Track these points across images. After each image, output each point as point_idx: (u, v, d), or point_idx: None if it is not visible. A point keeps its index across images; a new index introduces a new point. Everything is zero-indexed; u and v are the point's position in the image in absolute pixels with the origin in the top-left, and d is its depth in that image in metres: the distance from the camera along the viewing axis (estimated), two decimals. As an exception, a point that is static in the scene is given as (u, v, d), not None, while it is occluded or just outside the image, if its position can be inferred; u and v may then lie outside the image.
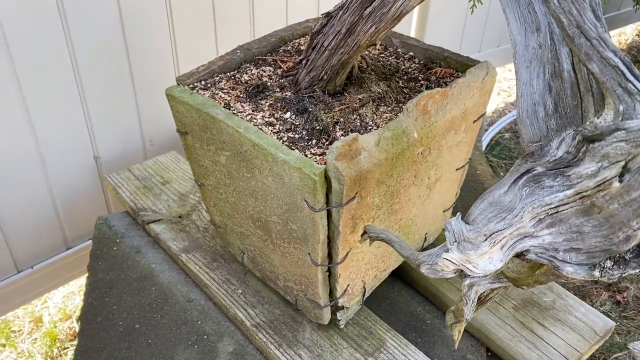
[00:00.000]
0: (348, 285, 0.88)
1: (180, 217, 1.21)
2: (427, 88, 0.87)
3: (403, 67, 0.93)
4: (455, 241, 0.55)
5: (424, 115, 0.79)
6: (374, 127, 0.78)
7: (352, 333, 0.95)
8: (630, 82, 0.44)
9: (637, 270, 0.51)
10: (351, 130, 0.77)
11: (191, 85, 0.89)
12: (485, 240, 0.53)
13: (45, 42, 1.16)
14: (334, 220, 0.76)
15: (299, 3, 1.58)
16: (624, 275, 0.51)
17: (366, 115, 0.79)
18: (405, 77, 0.89)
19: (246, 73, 0.92)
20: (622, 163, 0.44)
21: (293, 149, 0.75)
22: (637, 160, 0.45)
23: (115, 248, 1.19)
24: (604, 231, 0.49)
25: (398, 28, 0.92)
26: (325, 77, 0.81)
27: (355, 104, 0.80)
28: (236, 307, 0.99)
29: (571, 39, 0.45)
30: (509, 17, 0.52)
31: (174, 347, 0.98)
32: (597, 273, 0.51)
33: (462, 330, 0.81)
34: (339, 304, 0.90)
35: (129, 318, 1.03)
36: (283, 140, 0.77)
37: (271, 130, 0.79)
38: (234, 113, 0.82)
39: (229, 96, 0.86)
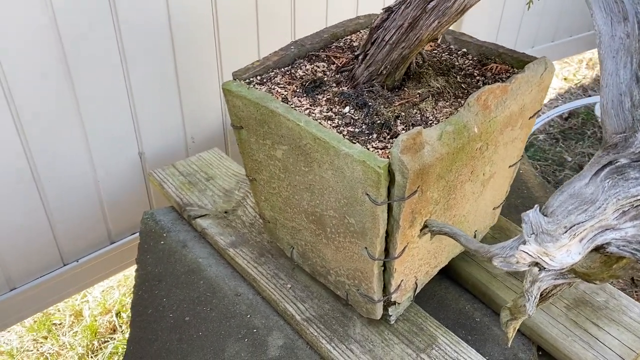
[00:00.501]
0: (402, 281, 0.88)
1: (226, 212, 1.22)
2: (484, 84, 0.87)
3: (457, 63, 0.93)
4: (533, 233, 0.54)
5: (485, 110, 0.78)
6: (435, 122, 0.78)
7: (403, 329, 0.95)
8: None
9: None
10: (412, 124, 0.77)
11: (247, 80, 0.90)
12: (566, 232, 0.53)
13: (96, 40, 1.19)
14: (394, 214, 0.76)
15: (338, 5, 1.59)
16: None
17: (426, 110, 0.79)
18: (461, 73, 0.89)
19: (300, 68, 0.93)
20: None
21: (354, 143, 0.75)
22: None
23: (162, 242, 1.20)
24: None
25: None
26: (384, 71, 0.81)
27: (415, 98, 0.80)
28: (286, 302, 1.00)
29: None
30: (592, 8, 0.52)
31: (224, 340, 0.99)
32: (682, 266, 0.50)
33: (517, 328, 0.81)
34: (392, 299, 0.90)
35: (179, 310, 1.05)
36: (343, 134, 0.77)
37: (330, 125, 0.80)
38: (292, 107, 0.83)
39: (286, 91, 0.87)
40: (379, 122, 0.78)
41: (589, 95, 2.58)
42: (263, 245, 1.12)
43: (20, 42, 1.08)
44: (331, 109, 0.82)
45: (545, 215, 0.55)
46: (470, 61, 0.94)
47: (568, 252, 0.54)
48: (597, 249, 0.54)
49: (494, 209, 1.03)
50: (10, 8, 1.05)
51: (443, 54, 0.96)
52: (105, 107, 1.28)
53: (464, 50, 0.97)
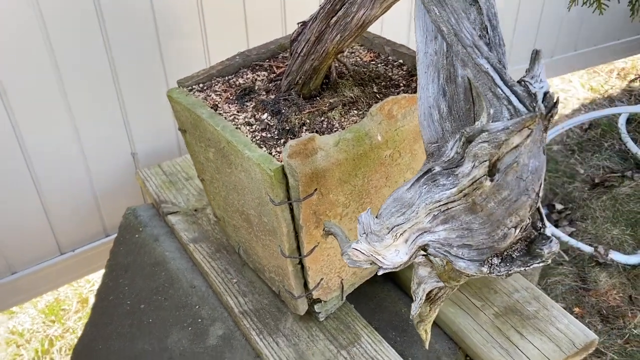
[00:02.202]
0: (322, 279, 0.93)
1: (196, 210, 1.30)
2: (405, 93, 0.91)
3: (390, 73, 0.97)
4: (364, 233, 0.59)
5: (390, 119, 0.82)
6: (340, 129, 0.83)
7: (331, 326, 1.00)
8: (499, 87, 0.47)
9: (522, 268, 0.53)
10: (316, 131, 0.82)
11: (190, 87, 0.98)
12: (388, 233, 0.57)
13: (87, 47, 1.30)
14: (295, 215, 0.81)
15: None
16: (510, 272, 0.53)
17: (334, 118, 0.84)
18: (384, 84, 0.93)
19: (242, 77, 1.00)
20: (487, 163, 0.47)
21: (262, 147, 0.81)
22: (504, 160, 0.47)
23: (137, 235, 1.30)
24: (487, 228, 0.51)
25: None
26: (300, 81, 0.86)
27: (325, 107, 0.85)
28: (228, 295, 1.07)
29: (450, 46, 0.48)
30: (416, 26, 0.56)
31: (170, 328, 1.06)
32: (485, 269, 0.53)
33: (428, 330, 0.84)
34: (314, 296, 0.95)
35: (137, 299, 1.14)
36: (256, 139, 0.84)
37: (248, 130, 0.86)
38: (219, 113, 0.90)
39: (220, 98, 0.94)
40: (287, 128, 0.83)
41: (615, 106, 2.50)
42: (221, 243, 1.20)
43: (12, 48, 1.21)
44: (254, 116, 0.89)
45: (375, 217, 0.59)
46: (404, 72, 0.98)
47: (397, 251, 0.58)
48: (424, 250, 0.57)
49: (432, 215, 1.05)
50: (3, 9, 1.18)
51: (379, 65, 1.00)
52: (97, 110, 1.40)
53: (401, 61, 1.01)
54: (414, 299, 0.74)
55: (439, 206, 0.53)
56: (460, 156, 0.51)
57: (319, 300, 0.97)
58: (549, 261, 0.53)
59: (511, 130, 0.45)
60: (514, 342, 0.95)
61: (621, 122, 2.35)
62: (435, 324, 1.03)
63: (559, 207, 2.03)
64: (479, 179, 0.48)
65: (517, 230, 0.50)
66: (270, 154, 0.80)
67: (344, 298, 1.02)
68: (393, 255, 0.58)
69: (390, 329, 1.03)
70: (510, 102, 0.46)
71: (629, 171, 2.15)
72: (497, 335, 0.96)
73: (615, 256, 1.81)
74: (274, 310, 1.04)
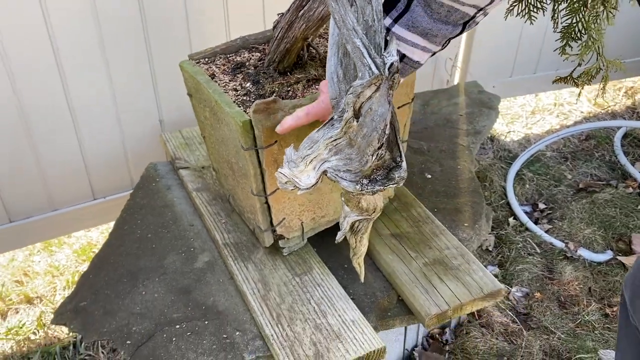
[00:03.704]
0: (284, 219, 1.18)
1: (202, 167, 1.57)
2: (360, 77, 1.14)
3: (356, 61, 1.21)
4: (287, 161, 0.83)
5: (340, 93, 1.06)
6: (300, 97, 1.08)
7: (291, 260, 1.24)
8: (365, 58, 0.70)
9: (382, 187, 0.76)
10: (282, 97, 1.07)
11: (197, 60, 1.24)
12: (302, 161, 0.81)
13: (125, 26, 1.59)
14: (260, 160, 1.06)
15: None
16: (375, 190, 0.76)
17: (298, 89, 1.09)
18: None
19: (239, 56, 1.26)
20: (352, 107, 0.70)
21: (240, 107, 1.07)
22: (364, 106, 0.70)
23: (153, 184, 1.58)
24: (358, 157, 0.75)
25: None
26: (276, 59, 1.11)
27: (292, 80, 1.09)
28: (216, 231, 1.33)
29: (339, 29, 0.72)
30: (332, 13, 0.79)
31: (168, 252, 1.33)
32: (358, 187, 0.77)
33: (361, 264, 1.07)
34: (278, 232, 1.20)
35: (146, 230, 1.41)
36: (238, 101, 1.09)
37: (234, 94, 1.11)
38: (215, 81, 1.16)
39: (219, 69, 1.20)
40: (261, 94, 1.08)
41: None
42: (218, 193, 1.46)
43: (66, 34, 1.51)
44: (241, 84, 1.14)
45: (295, 151, 0.82)
46: (367, 61, 1.21)
47: (308, 176, 0.81)
48: (326, 174, 0.81)
49: (385, 181, 1.28)
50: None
51: (349, 54, 1.24)
52: (133, 81, 1.69)
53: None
54: (340, 229, 0.98)
55: (331, 141, 0.77)
56: (347, 107, 0.75)
57: (282, 237, 1.22)
58: (400, 183, 0.76)
59: (365, 85, 0.68)
60: (434, 284, 1.17)
61: (617, 136, 2.49)
62: (375, 266, 1.26)
63: (541, 206, 2.21)
64: (348, 119, 0.72)
65: (374, 157, 0.73)
66: (245, 112, 1.05)
67: (305, 239, 1.26)
68: (305, 178, 0.82)
69: (340, 269, 1.27)
70: (370, 69, 0.69)
71: (615, 180, 2.30)
72: (422, 278, 1.18)
73: (584, 253, 1.97)
74: (249, 245, 1.29)
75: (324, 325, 1.08)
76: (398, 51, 0.81)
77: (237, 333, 1.12)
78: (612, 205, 2.14)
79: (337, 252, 1.31)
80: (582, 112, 2.76)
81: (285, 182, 0.84)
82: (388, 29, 0.81)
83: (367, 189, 0.76)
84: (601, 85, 1.12)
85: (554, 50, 1.14)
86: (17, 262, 2.08)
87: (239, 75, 1.17)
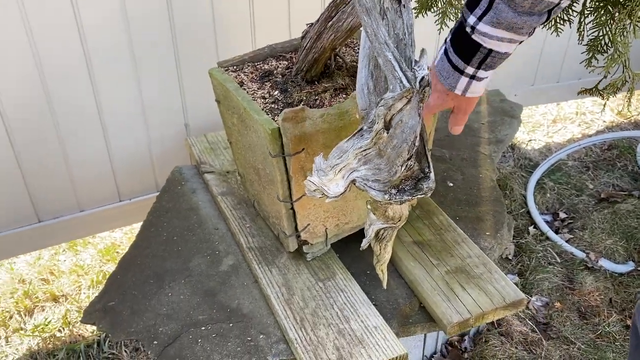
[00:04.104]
0: (308, 225, 1.20)
1: (227, 172, 1.60)
2: (386, 86, 1.16)
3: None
4: (317, 170, 0.85)
5: (367, 102, 1.08)
6: (327, 106, 1.10)
7: (314, 265, 1.26)
8: (396, 71, 0.71)
9: (410, 197, 0.77)
10: (310, 105, 1.09)
11: (226, 68, 1.27)
12: (331, 170, 0.83)
13: (156, 30, 1.63)
14: (287, 167, 1.08)
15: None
16: (403, 200, 0.78)
17: (325, 98, 1.11)
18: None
19: (267, 64, 1.28)
20: (383, 120, 0.72)
21: (268, 114, 1.09)
22: (395, 118, 0.72)
23: (179, 187, 1.61)
24: (387, 167, 0.76)
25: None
26: (304, 68, 1.14)
27: (320, 89, 1.12)
28: (241, 235, 1.35)
29: (371, 42, 0.74)
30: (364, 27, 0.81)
31: (194, 255, 1.36)
32: (387, 197, 0.78)
33: (384, 271, 1.09)
34: (302, 238, 1.22)
35: (172, 233, 1.44)
36: (266, 108, 1.11)
37: (262, 101, 1.14)
38: (243, 88, 1.18)
39: (247, 77, 1.23)
40: (289, 102, 1.11)
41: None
42: (242, 197, 1.49)
43: (97, 29, 1.55)
44: (269, 92, 1.17)
45: (325, 160, 0.84)
46: (392, 70, 1.23)
47: (337, 184, 0.83)
48: (354, 184, 0.83)
49: (408, 189, 1.29)
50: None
51: (375, 63, 1.25)
52: (159, 86, 1.72)
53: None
54: (365, 236, 0.99)
55: (361, 151, 0.79)
56: (378, 118, 0.77)
57: (306, 243, 1.24)
58: (429, 194, 0.78)
59: (396, 98, 0.70)
60: (456, 292, 1.18)
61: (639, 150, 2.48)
62: (397, 273, 1.27)
63: (562, 215, 2.20)
64: (379, 130, 0.73)
65: (403, 168, 0.75)
66: (273, 119, 1.08)
67: (328, 245, 1.28)
68: (334, 186, 0.84)
69: (363, 275, 1.28)
70: (401, 82, 0.71)
71: (637, 191, 2.28)
72: (444, 286, 1.19)
73: (605, 263, 1.97)
74: (274, 249, 1.31)
75: (347, 331, 1.10)
76: (484, 47, 0.84)
77: (261, 336, 1.14)
78: (634, 216, 2.12)
79: (359, 258, 1.33)
80: (604, 121, 2.74)
81: (314, 190, 0.86)
82: (473, 27, 0.82)
83: (395, 198, 0.78)
84: (627, 97, 1.12)
85: (580, 63, 1.14)
86: (43, 260, 2.12)
87: (267, 84, 1.20)
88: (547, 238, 2.09)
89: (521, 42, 0.85)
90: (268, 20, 1.77)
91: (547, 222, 2.16)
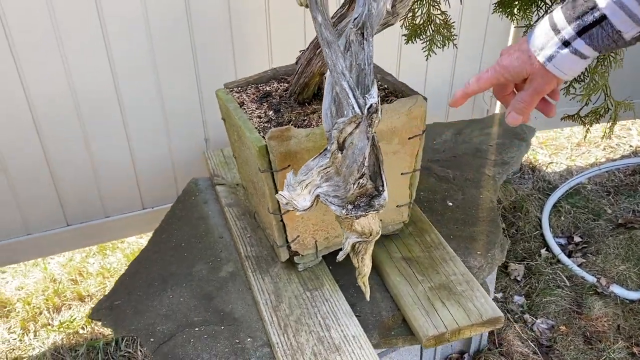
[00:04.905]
0: (298, 237, 1.27)
1: (237, 184, 1.70)
2: (374, 109, 1.23)
3: (374, 94, 1.30)
4: (287, 185, 0.93)
5: (351, 124, 1.15)
6: (314, 126, 1.18)
7: (305, 275, 1.33)
8: (350, 98, 0.79)
9: (364, 213, 0.84)
10: (298, 125, 1.17)
11: (230, 89, 1.37)
12: (298, 185, 0.90)
13: (178, 48, 1.76)
14: (275, 182, 1.17)
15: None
16: (358, 215, 0.85)
17: (313, 119, 1.19)
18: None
19: (269, 86, 1.38)
20: (336, 141, 0.79)
21: (260, 132, 1.18)
22: (347, 140, 0.80)
23: (193, 198, 1.72)
24: (343, 185, 0.84)
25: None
26: (297, 91, 1.22)
27: (309, 110, 1.20)
28: (239, 244, 1.44)
29: (331, 72, 0.81)
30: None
31: (197, 261, 1.46)
32: (344, 211, 0.85)
33: (366, 284, 1.15)
34: (293, 249, 1.29)
35: (180, 239, 1.54)
36: (260, 127, 1.20)
37: (258, 120, 1.23)
38: (243, 108, 1.28)
39: (248, 98, 1.33)
40: (280, 122, 1.19)
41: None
42: (246, 209, 1.58)
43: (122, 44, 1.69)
44: (265, 112, 1.26)
45: (295, 176, 0.92)
46: (383, 93, 1.30)
47: (304, 199, 0.91)
48: (318, 199, 0.90)
49: (397, 206, 1.36)
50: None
51: (369, 87, 1.33)
52: (181, 103, 1.85)
53: (385, 86, 1.33)
54: (343, 249, 1.06)
55: (322, 169, 0.86)
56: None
57: (297, 254, 1.31)
58: (380, 210, 0.84)
59: (346, 122, 0.77)
60: (436, 308, 1.22)
61: (666, 173, 2.43)
62: (385, 287, 1.33)
63: (577, 239, 2.20)
64: (334, 151, 0.81)
65: (355, 186, 0.82)
66: (263, 137, 1.16)
67: (319, 256, 1.35)
68: (302, 200, 0.92)
69: (352, 288, 1.34)
70: (353, 108, 0.79)
71: (657, 217, 2.25)
72: (425, 301, 1.24)
73: (616, 289, 1.95)
74: (269, 259, 1.39)
75: (326, 338, 1.17)
76: (597, 9, 0.71)
77: (249, 339, 1.22)
78: (651, 243, 2.10)
79: (351, 271, 1.39)
80: (631, 145, 2.71)
81: (286, 203, 0.94)
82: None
83: (351, 213, 0.85)
84: (609, 125, 1.15)
85: (561, 90, 1.18)
86: (75, 262, 2.28)
87: (264, 104, 1.29)
88: (559, 261, 2.09)
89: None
90: (284, 42, 1.87)
91: (560, 245, 2.16)
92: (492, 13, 1.34)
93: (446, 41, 1.22)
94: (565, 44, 0.74)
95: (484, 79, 0.84)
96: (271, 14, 1.81)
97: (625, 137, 2.76)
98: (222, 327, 1.26)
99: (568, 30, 0.73)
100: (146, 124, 1.84)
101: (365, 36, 0.85)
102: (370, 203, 0.84)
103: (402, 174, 1.29)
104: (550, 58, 0.75)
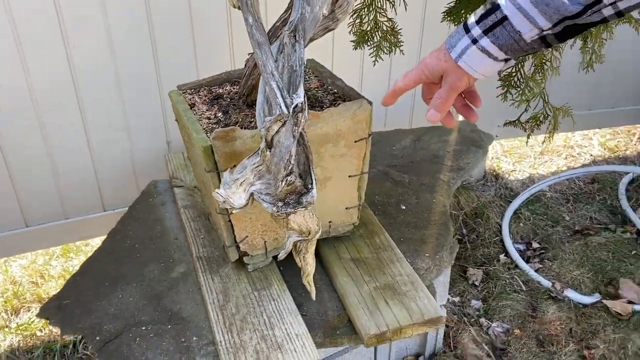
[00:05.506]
0: (246, 237, 1.29)
1: (195, 187, 1.71)
2: (319, 111, 1.25)
3: (322, 97, 1.33)
4: (223, 183, 0.95)
5: (296, 125, 1.18)
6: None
7: (254, 275, 1.35)
8: (278, 98, 0.81)
9: (294, 210, 0.86)
10: (244, 127, 1.20)
11: (183, 90, 1.39)
12: (234, 183, 0.92)
13: (139, 54, 1.77)
14: (221, 182, 1.18)
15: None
16: (288, 212, 0.87)
17: (260, 120, 1.21)
18: (311, 103, 1.28)
19: (222, 88, 1.40)
20: (264, 139, 0.81)
21: (207, 134, 1.20)
22: (275, 138, 0.82)
23: (150, 200, 1.73)
24: (273, 182, 0.86)
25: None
26: (245, 93, 1.25)
27: (255, 112, 1.22)
28: (192, 245, 1.45)
29: (262, 72, 0.84)
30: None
31: (150, 262, 1.46)
32: (275, 209, 0.87)
33: (311, 283, 1.17)
34: (242, 249, 1.31)
35: (135, 240, 1.55)
36: (208, 128, 1.22)
37: (207, 122, 1.25)
38: (193, 110, 1.30)
39: (200, 99, 1.34)
40: (228, 123, 1.21)
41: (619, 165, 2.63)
42: (202, 211, 1.59)
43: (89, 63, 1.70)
44: (215, 114, 1.28)
45: (231, 174, 0.94)
46: (332, 98, 1.33)
47: (239, 197, 0.93)
48: (252, 196, 0.92)
49: (347, 208, 1.38)
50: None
51: (319, 91, 1.36)
52: (142, 106, 1.86)
53: (335, 90, 1.36)
54: (284, 248, 1.08)
55: (255, 167, 0.88)
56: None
57: (247, 254, 1.33)
58: (309, 207, 0.86)
59: (272, 121, 0.80)
60: (379, 307, 1.25)
61: (624, 181, 2.50)
62: (333, 287, 1.35)
63: (535, 245, 2.24)
64: (263, 149, 0.83)
65: (283, 183, 0.84)
66: (209, 138, 1.18)
67: (269, 257, 1.37)
68: (238, 199, 0.94)
69: (301, 288, 1.36)
70: (280, 107, 0.81)
71: (613, 225, 2.30)
72: (369, 300, 1.26)
73: (570, 294, 1.99)
74: (220, 260, 1.41)
75: (270, 337, 1.18)
76: (501, 11, 0.77)
77: (195, 338, 1.23)
78: (605, 249, 2.15)
79: (300, 271, 1.41)
80: (591, 155, 2.77)
81: (223, 202, 0.96)
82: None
83: (282, 210, 0.87)
84: (549, 132, 1.19)
85: (497, 97, 1.22)
86: (37, 264, 2.27)
87: (215, 106, 1.31)
88: (517, 266, 2.13)
89: (539, 37, 0.76)
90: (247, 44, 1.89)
91: (519, 251, 2.20)
92: (441, 22, 1.38)
93: (392, 47, 1.25)
94: (474, 41, 0.80)
95: (409, 76, 0.88)
96: (232, 15, 1.83)
97: (586, 147, 2.82)
98: (169, 326, 1.26)
99: (476, 29, 0.79)
100: (107, 125, 1.84)
101: (297, 39, 0.88)
102: (299, 200, 0.86)
103: (349, 176, 1.32)
104: (461, 54, 0.81)
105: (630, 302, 1.94)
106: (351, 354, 1.51)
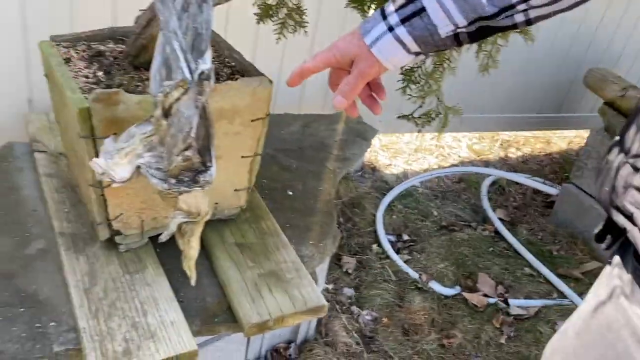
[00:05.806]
0: (121, 214, 1.17)
1: (60, 153, 1.52)
2: (217, 84, 1.17)
3: (219, 69, 1.23)
4: (104, 152, 0.83)
5: (189, 96, 1.08)
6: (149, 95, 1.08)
7: (127, 256, 1.23)
8: (180, 61, 0.73)
9: (188, 189, 0.78)
10: (129, 91, 1.07)
11: (58, 43, 1.22)
12: (117, 153, 0.81)
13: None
14: (98, 150, 1.05)
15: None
16: (181, 190, 0.78)
17: (148, 86, 1.09)
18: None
19: (104, 45, 1.25)
20: (161, 106, 0.72)
21: (84, 93, 1.05)
22: (174, 107, 0.73)
23: (5, 164, 1.51)
24: (167, 156, 0.77)
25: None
26: (133, 53, 1.12)
27: (144, 76, 1.10)
28: (55, 219, 1.29)
29: (162, 29, 0.74)
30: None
31: (1, 235, 1.27)
32: (166, 186, 0.79)
33: (192, 268, 1.08)
34: (115, 227, 1.18)
35: (-17, 209, 1.34)
36: (85, 88, 1.08)
37: (84, 80, 1.10)
38: (68, 65, 1.14)
39: (77, 55, 1.18)
40: (110, 85, 1.08)
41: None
42: (68, 181, 1.42)
43: None
44: (94, 73, 1.13)
45: (114, 142, 0.83)
46: (229, 71, 1.24)
47: (123, 169, 0.82)
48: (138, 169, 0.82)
49: (235, 190, 1.31)
50: None
51: (214, 62, 1.26)
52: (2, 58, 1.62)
53: (233, 63, 1.27)
54: (167, 229, 0.99)
55: (145, 137, 0.78)
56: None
57: (119, 233, 1.20)
58: (206, 187, 0.79)
59: (173, 86, 0.71)
60: (262, 295, 1.20)
61: (485, 183, 2.69)
62: (213, 273, 1.27)
63: (405, 237, 2.33)
64: (158, 118, 0.74)
65: (179, 158, 0.76)
66: (87, 99, 1.04)
67: (145, 237, 1.25)
68: (120, 171, 0.83)
69: (179, 273, 1.25)
70: (183, 72, 0.72)
71: (475, 222, 2.47)
72: (252, 288, 1.21)
73: (434, 285, 2.10)
74: (87, 237, 1.26)
75: (142, 324, 1.08)
76: (420, 1, 0.76)
77: (52, 324, 1.09)
78: (467, 245, 2.30)
79: (179, 254, 1.31)
80: (459, 156, 2.95)
81: (102, 173, 0.85)
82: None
83: (174, 188, 0.78)
84: (440, 129, 1.22)
85: (396, 90, 1.23)
86: None
87: (95, 64, 1.16)
88: (388, 257, 2.20)
89: (453, 34, 0.76)
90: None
91: (391, 242, 2.28)
92: (345, 7, 1.35)
93: (297, 27, 1.20)
94: (390, 29, 0.77)
95: (318, 57, 0.84)
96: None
97: (455, 148, 3.00)
98: (22, 310, 1.11)
99: (394, 17, 0.77)
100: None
101: (206, -1, 0.79)
102: (195, 178, 0.78)
103: (242, 157, 1.25)
104: (375, 41, 0.78)
105: (485, 295, 2.10)
106: (224, 341, 1.45)
